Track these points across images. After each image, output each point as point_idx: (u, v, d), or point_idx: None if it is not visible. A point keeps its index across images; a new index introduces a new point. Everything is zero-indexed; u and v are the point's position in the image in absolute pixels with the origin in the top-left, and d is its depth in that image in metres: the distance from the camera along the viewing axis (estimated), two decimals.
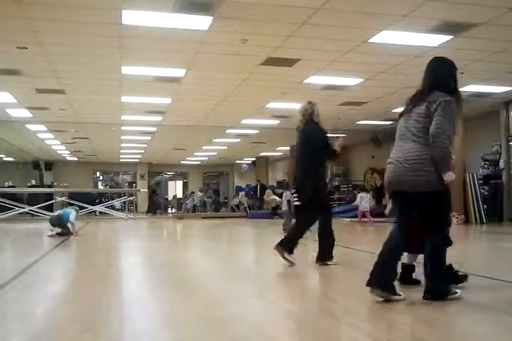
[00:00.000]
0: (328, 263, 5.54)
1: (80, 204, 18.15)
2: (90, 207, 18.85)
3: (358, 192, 15.48)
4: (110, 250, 8.20)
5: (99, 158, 27.41)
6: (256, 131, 18.62)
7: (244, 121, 16.24)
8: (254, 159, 29.13)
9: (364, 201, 14.26)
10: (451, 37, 8.01)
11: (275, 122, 16.38)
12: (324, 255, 5.59)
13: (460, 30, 7.70)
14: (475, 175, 12.91)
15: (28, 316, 3.32)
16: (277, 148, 24.71)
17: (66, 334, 2.80)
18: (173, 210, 28.54)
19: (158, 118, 15.39)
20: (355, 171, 22.68)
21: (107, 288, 4.33)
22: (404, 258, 4.09)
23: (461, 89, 12.63)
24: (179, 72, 10.04)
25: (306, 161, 5.74)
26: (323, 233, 5.62)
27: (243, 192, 25.39)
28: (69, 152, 24.85)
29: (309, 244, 8.79)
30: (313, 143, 5.73)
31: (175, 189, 36.07)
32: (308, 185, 5.59)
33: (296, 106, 13.66)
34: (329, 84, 11.19)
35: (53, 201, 19.62)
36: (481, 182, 12.82)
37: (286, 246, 5.52)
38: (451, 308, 3.39)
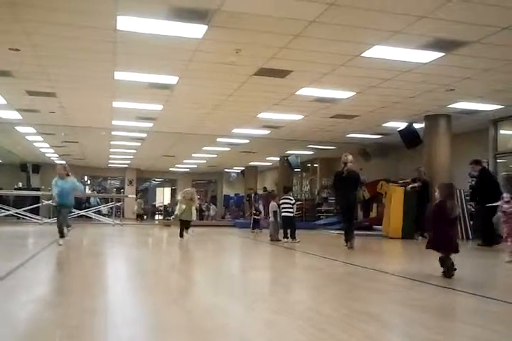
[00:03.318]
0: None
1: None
2: (77, 211, 18.71)
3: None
4: (96, 256, 8.14)
5: (87, 162, 27.29)
6: (246, 141, 18.67)
7: (235, 131, 16.27)
8: (243, 168, 29.17)
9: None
10: (442, 54, 8.11)
11: (266, 132, 16.43)
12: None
13: (451, 47, 7.80)
14: (462, 191, 13.00)
15: (11, 321, 3.28)
16: (267, 158, 24.76)
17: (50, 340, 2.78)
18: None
19: (148, 124, 15.39)
20: None
21: (91, 293, 4.30)
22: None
23: (450, 106, 12.80)
24: (172, 80, 10.06)
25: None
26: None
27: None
28: (57, 155, 24.73)
29: (298, 254, 8.80)
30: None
31: (163, 196, 36.05)
32: None
33: (287, 117, 13.89)
34: (321, 97, 11.27)
35: (40, 204, 19.47)
36: (467, 198, 12.89)
37: None
38: (427, 321, 3.41)
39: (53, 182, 8.96)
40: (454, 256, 5.43)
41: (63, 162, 26.97)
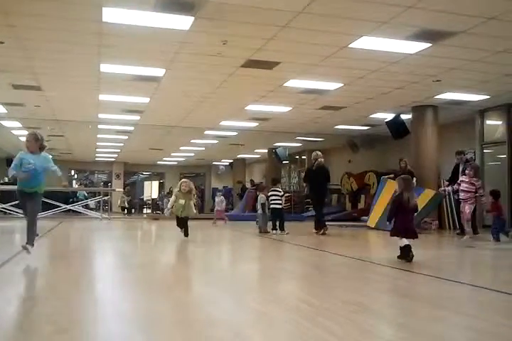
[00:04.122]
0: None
1: (54, 203, 17.95)
2: (64, 205, 18.61)
3: (216, 195, 18.22)
4: (84, 250, 8.11)
5: (74, 156, 27.08)
6: (234, 133, 18.62)
7: (223, 123, 16.22)
8: (231, 161, 29.12)
9: (220, 203, 16.39)
10: (429, 45, 8.12)
11: (254, 124, 16.40)
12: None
13: (438, 38, 7.81)
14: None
15: (0, 316, 3.26)
16: (255, 150, 24.73)
17: (40, 335, 2.76)
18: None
19: (135, 117, 15.29)
20: (331, 175, 22.77)
21: (81, 288, 4.27)
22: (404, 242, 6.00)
23: (437, 97, 12.94)
24: (158, 72, 9.98)
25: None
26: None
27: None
28: None
29: (286, 246, 8.82)
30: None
31: (151, 189, 35.91)
32: None
33: (275, 109, 13.86)
34: (308, 88, 11.25)
35: None
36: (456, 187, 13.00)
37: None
38: (421, 311, 3.44)
39: (17, 156, 6.14)
40: (415, 242, 6.02)
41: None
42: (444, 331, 3.00)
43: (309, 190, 11.43)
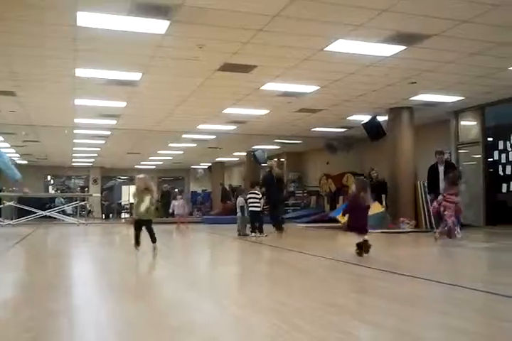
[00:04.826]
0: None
1: (30, 209, 17.73)
2: (40, 211, 18.36)
3: (174, 199, 16.58)
4: (59, 256, 8.00)
5: (50, 161, 26.74)
6: (212, 136, 18.58)
7: (201, 126, 16.17)
8: (210, 164, 29.06)
9: (178, 207, 15.40)
10: (404, 47, 8.21)
11: (232, 127, 16.39)
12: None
13: (413, 41, 7.91)
14: (426, 182, 13.23)
15: None
16: (234, 154, 24.72)
17: None
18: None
19: (112, 122, 15.15)
20: (310, 177, 22.94)
21: (56, 295, 4.21)
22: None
23: (413, 98, 13.07)
24: (135, 76, 9.91)
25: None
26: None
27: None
28: (18, 155, 24.15)
29: (264, 250, 8.83)
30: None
31: (129, 194, 35.57)
32: None
33: (253, 112, 13.86)
34: (285, 91, 11.29)
35: (1, 206, 19.04)
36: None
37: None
38: (395, 310, 3.46)
39: None
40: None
41: (25, 162, 26.29)
42: (423, 331, 3.03)
43: (269, 195, 11.99)
